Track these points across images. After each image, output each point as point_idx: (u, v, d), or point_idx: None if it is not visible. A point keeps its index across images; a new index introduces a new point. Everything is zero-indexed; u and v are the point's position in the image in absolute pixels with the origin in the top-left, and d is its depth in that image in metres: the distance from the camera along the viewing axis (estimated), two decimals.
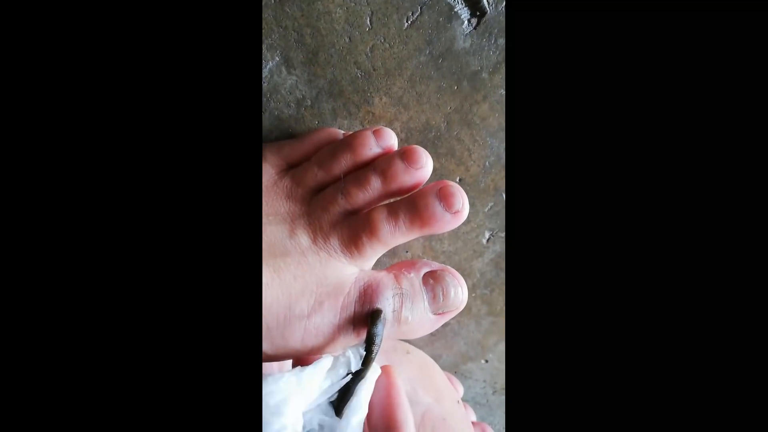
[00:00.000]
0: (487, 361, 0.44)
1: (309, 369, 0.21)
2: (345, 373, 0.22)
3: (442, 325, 0.41)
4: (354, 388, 0.22)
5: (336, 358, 0.22)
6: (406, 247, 0.35)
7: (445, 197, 0.22)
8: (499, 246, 0.35)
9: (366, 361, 0.21)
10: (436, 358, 0.43)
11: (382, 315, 0.22)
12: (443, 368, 0.43)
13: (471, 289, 0.38)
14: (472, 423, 0.38)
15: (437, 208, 0.22)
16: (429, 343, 0.42)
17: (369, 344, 0.21)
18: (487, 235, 0.35)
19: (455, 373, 0.45)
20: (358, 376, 0.22)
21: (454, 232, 0.34)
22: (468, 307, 0.39)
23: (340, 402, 0.22)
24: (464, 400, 0.47)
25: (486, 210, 0.33)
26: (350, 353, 0.22)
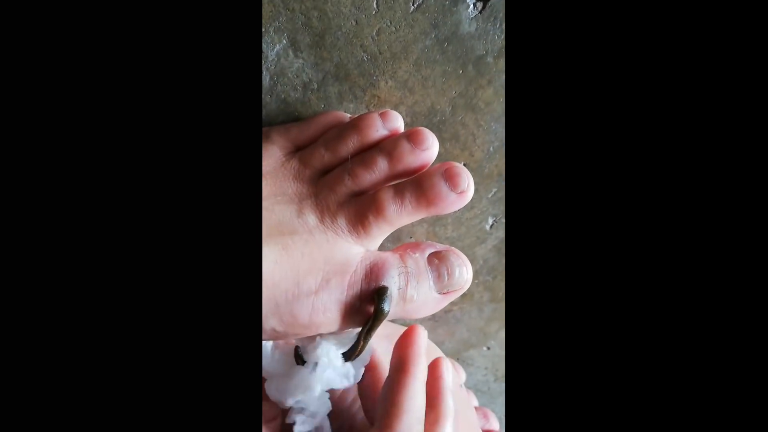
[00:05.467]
0: (489, 348, 0.45)
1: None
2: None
3: (445, 312, 0.42)
4: (363, 344, 0.24)
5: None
6: (410, 233, 0.35)
7: (450, 177, 0.22)
8: (502, 232, 0.36)
9: (372, 327, 0.23)
10: (439, 344, 0.43)
11: (388, 291, 0.22)
12: (445, 355, 0.43)
13: (474, 276, 0.38)
14: (475, 408, 0.38)
15: (443, 187, 0.22)
16: (431, 330, 0.42)
17: (375, 318, 0.21)
18: (490, 221, 0.35)
19: (457, 360, 0.45)
20: (369, 333, 0.23)
21: (458, 218, 0.35)
22: (470, 294, 0.40)
23: (351, 352, 0.25)
24: (466, 387, 0.48)
25: (489, 196, 0.33)
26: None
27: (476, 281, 0.39)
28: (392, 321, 0.36)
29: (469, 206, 0.34)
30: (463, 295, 0.35)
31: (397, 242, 0.35)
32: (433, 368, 0.26)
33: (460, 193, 0.23)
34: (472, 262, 0.37)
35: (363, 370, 0.27)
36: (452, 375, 0.27)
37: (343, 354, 0.25)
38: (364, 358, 0.26)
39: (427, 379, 0.26)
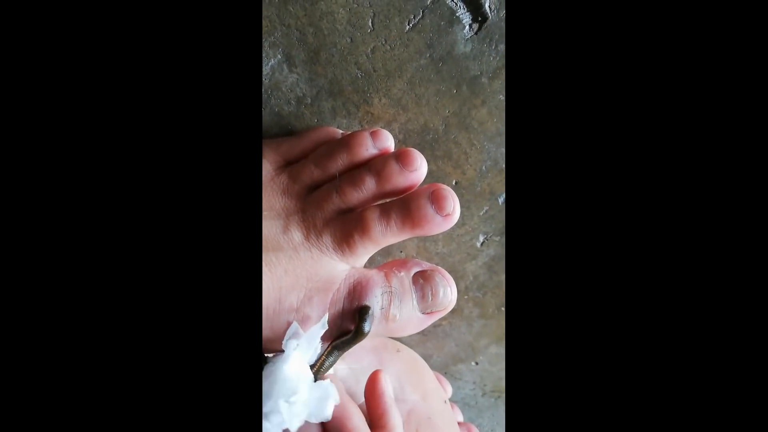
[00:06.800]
0: (477, 363, 0.45)
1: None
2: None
3: (434, 326, 0.42)
4: (326, 359, 0.23)
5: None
6: (400, 247, 0.35)
7: (437, 200, 0.23)
8: (493, 250, 0.36)
9: (346, 343, 0.22)
10: (427, 358, 0.43)
11: (370, 311, 0.22)
12: (433, 368, 0.43)
13: (463, 292, 0.38)
14: (459, 423, 0.38)
15: (429, 210, 0.22)
16: (420, 343, 0.42)
17: (354, 338, 0.22)
18: (481, 238, 0.35)
19: (445, 374, 0.45)
20: (336, 349, 0.23)
21: (449, 235, 0.35)
22: (460, 309, 0.40)
23: (318, 367, 0.23)
24: (453, 401, 0.48)
25: (481, 214, 0.34)
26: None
27: (466, 297, 0.39)
28: None
29: (461, 223, 0.34)
30: (453, 310, 0.35)
31: (387, 255, 0.36)
32: (373, 384, 0.25)
33: (446, 215, 0.23)
34: (462, 278, 0.38)
35: (330, 408, 0.22)
36: (390, 385, 0.26)
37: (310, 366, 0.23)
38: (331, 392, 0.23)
39: (369, 395, 0.25)
